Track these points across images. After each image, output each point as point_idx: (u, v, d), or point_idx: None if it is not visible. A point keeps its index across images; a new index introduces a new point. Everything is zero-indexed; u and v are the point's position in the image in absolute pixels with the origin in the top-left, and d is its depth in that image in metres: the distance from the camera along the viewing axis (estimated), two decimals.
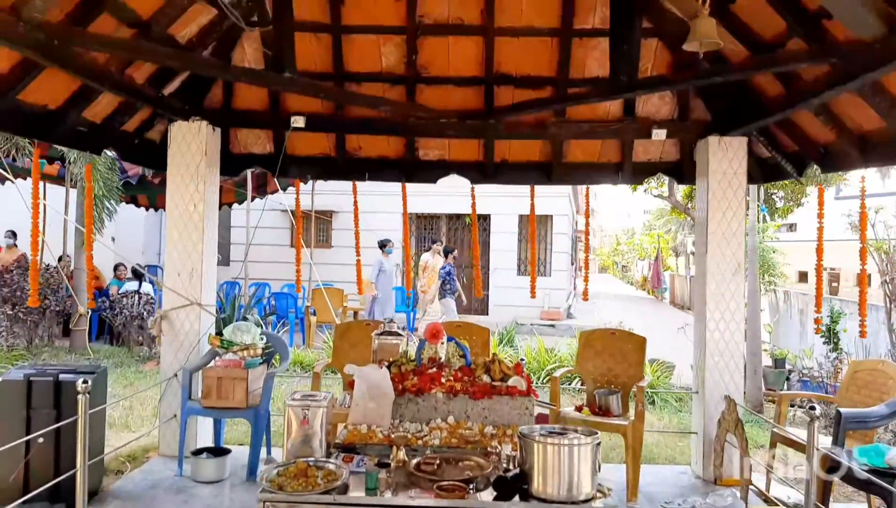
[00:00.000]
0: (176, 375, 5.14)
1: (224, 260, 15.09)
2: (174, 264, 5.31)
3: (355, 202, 6.05)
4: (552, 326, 14.44)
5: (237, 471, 4.95)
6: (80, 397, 3.91)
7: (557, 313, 15.39)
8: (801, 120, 4.63)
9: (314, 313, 11.14)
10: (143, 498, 4.45)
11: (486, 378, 3.33)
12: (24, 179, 10.37)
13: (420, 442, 2.89)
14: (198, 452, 4.96)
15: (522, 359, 5.65)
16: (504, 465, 2.66)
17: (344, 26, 4.99)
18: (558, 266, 16.32)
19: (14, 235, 10.58)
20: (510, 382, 3.27)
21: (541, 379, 8.33)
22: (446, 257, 11.62)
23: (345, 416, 4.19)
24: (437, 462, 2.64)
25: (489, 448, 2.82)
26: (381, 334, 3.77)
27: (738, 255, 5.07)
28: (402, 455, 2.75)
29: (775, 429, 4.79)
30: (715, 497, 4.71)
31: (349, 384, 3.34)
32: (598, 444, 2.43)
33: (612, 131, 5.34)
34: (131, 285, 10.87)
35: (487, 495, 2.51)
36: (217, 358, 5.03)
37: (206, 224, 5.36)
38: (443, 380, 3.28)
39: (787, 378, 9.30)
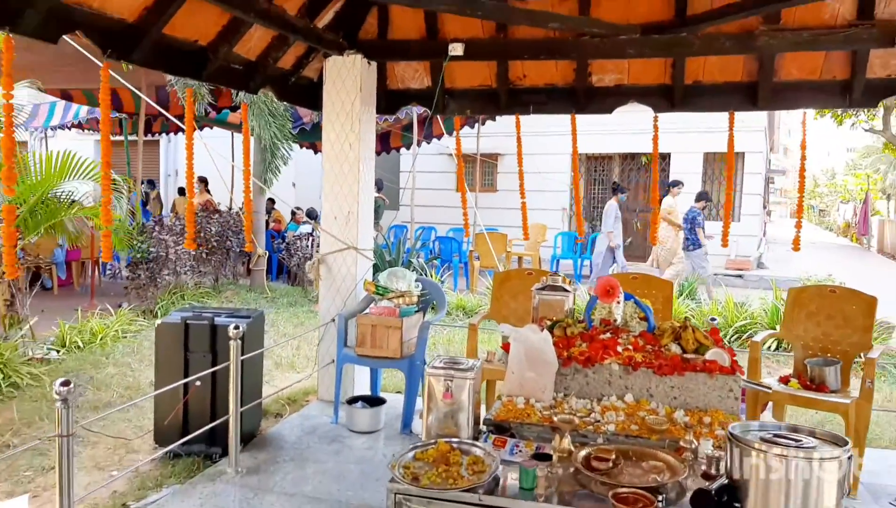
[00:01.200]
0: (333, 320, 4.99)
1: (393, 204, 15.24)
2: (331, 207, 5.10)
3: (518, 138, 5.42)
4: (740, 276, 13.02)
5: (392, 422, 4.74)
6: (231, 342, 3.82)
7: (746, 262, 13.84)
8: None
9: (478, 258, 10.84)
10: (296, 446, 4.34)
11: (675, 349, 2.66)
12: (201, 129, 10.95)
13: (590, 428, 2.33)
14: (354, 400, 4.80)
15: (715, 319, 4.84)
16: (702, 467, 2.03)
17: None
18: (749, 210, 14.61)
19: (202, 180, 11.28)
20: (708, 355, 2.58)
21: (728, 337, 7.34)
22: (698, 201, 10.39)
23: (501, 373, 3.72)
24: (614, 457, 2.06)
25: (682, 443, 2.19)
26: (544, 288, 3.20)
27: None
28: (566, 443, 2.20)
29: None
30: None
31: (504, 347, 2.84)
32: (850, 458, 1.72)
33: (842, 40, 4.20)
34: (305, 228, 11.22)
35: None
36: (373, 304, 4.78)
37: (362, 165, 5.06)
38: (619, 349, 2.66)
39: None
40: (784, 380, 4.24)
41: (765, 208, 20.24)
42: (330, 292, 5.13)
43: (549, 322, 2.97)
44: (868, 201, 25.66)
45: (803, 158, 4.63)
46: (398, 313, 4.59)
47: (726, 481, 1.89)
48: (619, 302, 2.92)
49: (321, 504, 3.58)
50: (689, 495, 1.91)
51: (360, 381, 5.21)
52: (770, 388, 2.81)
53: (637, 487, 1.90)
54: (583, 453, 2.12)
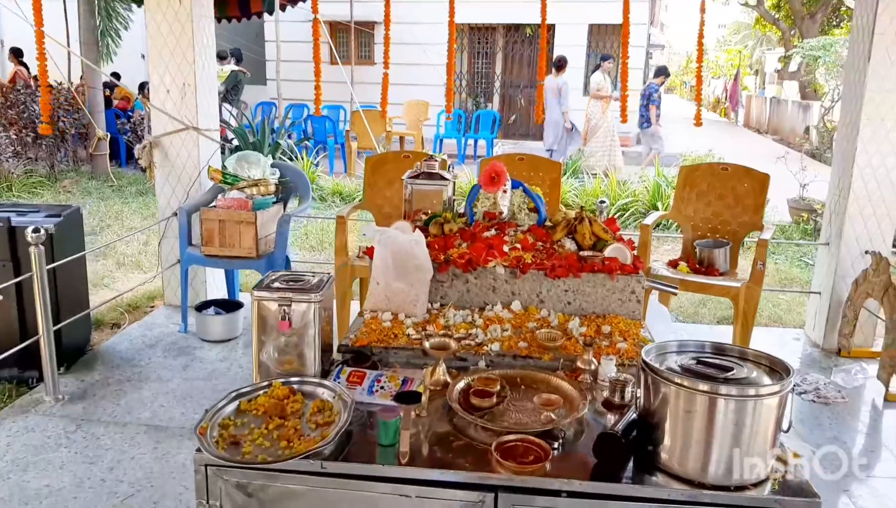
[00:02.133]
0: (175, 214, 4.25)
1: (259, 79, 13.85)
2: (160, 78, 4.21)
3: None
4: (621, 152, 13.03)
5: (251, 328, 4.18)
6: (31, 249, 3.06)
7: (627, 138, 13.86)
8: None
9: (355, 139, 10.04)
10: (135, 362, 3.71)
11: (569, 245, 2.23)
12: None
13: (471, 352, 1.88)
14: (205, 305, 4.19)
15: (604, 201, 4.51)
16: (604, 394, 1.64)
17: None
18: (630, 84, 14.49)
19: (14, 51, 9.59)
20: (608, 251, 2.17)
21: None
22: (657, 77, 9.82)
23: (366, 270, 3.20)
24: (498, 388, 1.64)
25: (579, 363, 1.79)
26: (417, 176, 2.64)
27: None
28: (440, 373, 1.75)
29: None
30: (843, 375, 3.78)
31: (368, 252, 2.31)
32: (792, 389, 1.36)
33: None
34: None
35: (579, 458, 1.50)
36: (221, 196, 4.06)
37: (197, 24, 4.15)
38: (505, 249, 2.19)
39: None
40: (673, 264, 4.04)
41: (645, 82, 20.36)
42: (169, 182, 4.34)
43: (424, 218, 2.45)
44: (738, 77, 26.50)
45: (702, 22, 4.21)
46: (251, 206, 3.92)
47: (634, 416, 1.51)
48: (505, 191, 2.43)
49: (161, 433, 3.03)
50: (590, 434, 1.52)
51: (215, 283, 4.58)
52: (677, 289, 2.49)
53: (527, 433, 1.48)
54: (460, 385, 1.66)
